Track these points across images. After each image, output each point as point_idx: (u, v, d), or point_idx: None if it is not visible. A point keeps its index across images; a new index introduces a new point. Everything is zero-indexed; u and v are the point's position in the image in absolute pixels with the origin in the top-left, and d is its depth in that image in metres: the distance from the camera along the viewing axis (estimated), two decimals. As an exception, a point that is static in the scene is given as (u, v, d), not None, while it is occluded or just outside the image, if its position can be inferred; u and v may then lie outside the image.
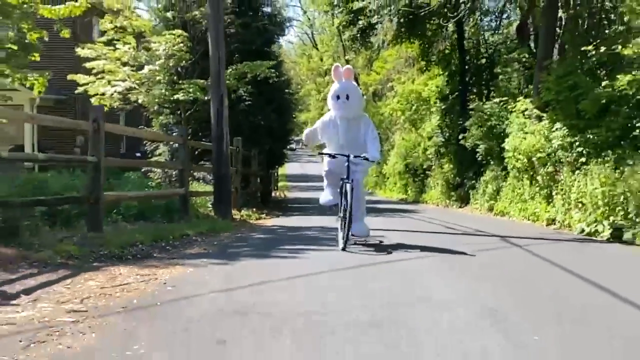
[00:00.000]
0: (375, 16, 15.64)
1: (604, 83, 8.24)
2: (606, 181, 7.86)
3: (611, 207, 7.65)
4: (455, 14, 14.59)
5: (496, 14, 17.54)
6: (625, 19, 9.05)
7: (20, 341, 3.01)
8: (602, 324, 3.35)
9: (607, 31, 10.59)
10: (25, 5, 11.45)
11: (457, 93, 17.62)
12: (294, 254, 5.95)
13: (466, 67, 17.63)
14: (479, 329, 3.19)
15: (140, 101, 13.79)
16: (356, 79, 19.62)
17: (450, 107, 17.93)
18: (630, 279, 4.97)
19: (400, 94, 21.74)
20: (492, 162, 13.16)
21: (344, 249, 5.90)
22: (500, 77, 16.12)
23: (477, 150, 13.54)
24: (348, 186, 6.08)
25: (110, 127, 6.45)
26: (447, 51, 18.51)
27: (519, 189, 11.31)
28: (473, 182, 14.65)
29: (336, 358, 2.72)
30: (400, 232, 8.36)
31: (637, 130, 7.82)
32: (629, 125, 8.09)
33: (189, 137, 10.90)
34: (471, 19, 17.32)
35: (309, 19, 46.40)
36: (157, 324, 3.34)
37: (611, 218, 7.64)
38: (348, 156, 6.19)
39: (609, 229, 7.47)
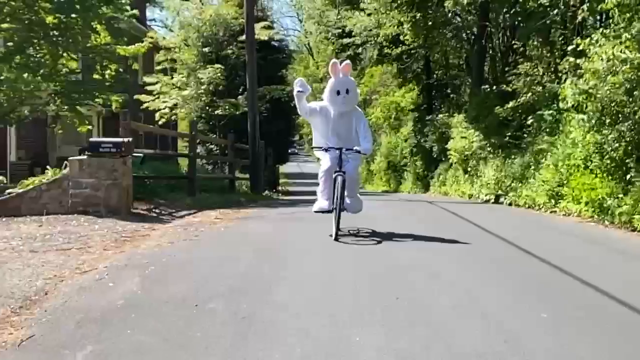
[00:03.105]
0: (360, 47, 20.62)
1: (496, 108, 13.13)
2: (497, 169, 12.73)
3: (498, 184, 12.51)
4: (421, 45, 19.48)
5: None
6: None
7: (205, 224, 7.87)
8: (455, 228, 8.21)
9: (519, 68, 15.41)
10: (107, 47, 16.33)
11: (425, 105, 22.60)
12: (307, 207, 10.79)
13: (432, 84, 22.60)
14: (390, 218, 8.10)
15: (184, 113, 18.67)
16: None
17: (421, 116, 22.81)
18: (485, 218, 9.76)
19: (382, 104, 26.60)
20: (443, 159, 18.07)
21: (336, 240, 6.04)
22: (452, 95, 21.13)
23: (433, 150, 18.49)
24: (340, 178, 6.22)
25: (200, 137, 11.25)
26: (419, 70, 23.47)
27: (457, 176, 16.20)
28: (432, 173, 19.56)
29: (324, 227, 7.56)
30: (375, 201, 13.23)
31: (508, 138, 12.73)
32: (512, 134, 12.98)
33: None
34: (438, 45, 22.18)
35: (306, 31, 50.64)
36: (257, 219, 8.23)
37: (498, 191, 12.50)
38: (340, 149, 6.31)
39: (494, 197, 12.36)
